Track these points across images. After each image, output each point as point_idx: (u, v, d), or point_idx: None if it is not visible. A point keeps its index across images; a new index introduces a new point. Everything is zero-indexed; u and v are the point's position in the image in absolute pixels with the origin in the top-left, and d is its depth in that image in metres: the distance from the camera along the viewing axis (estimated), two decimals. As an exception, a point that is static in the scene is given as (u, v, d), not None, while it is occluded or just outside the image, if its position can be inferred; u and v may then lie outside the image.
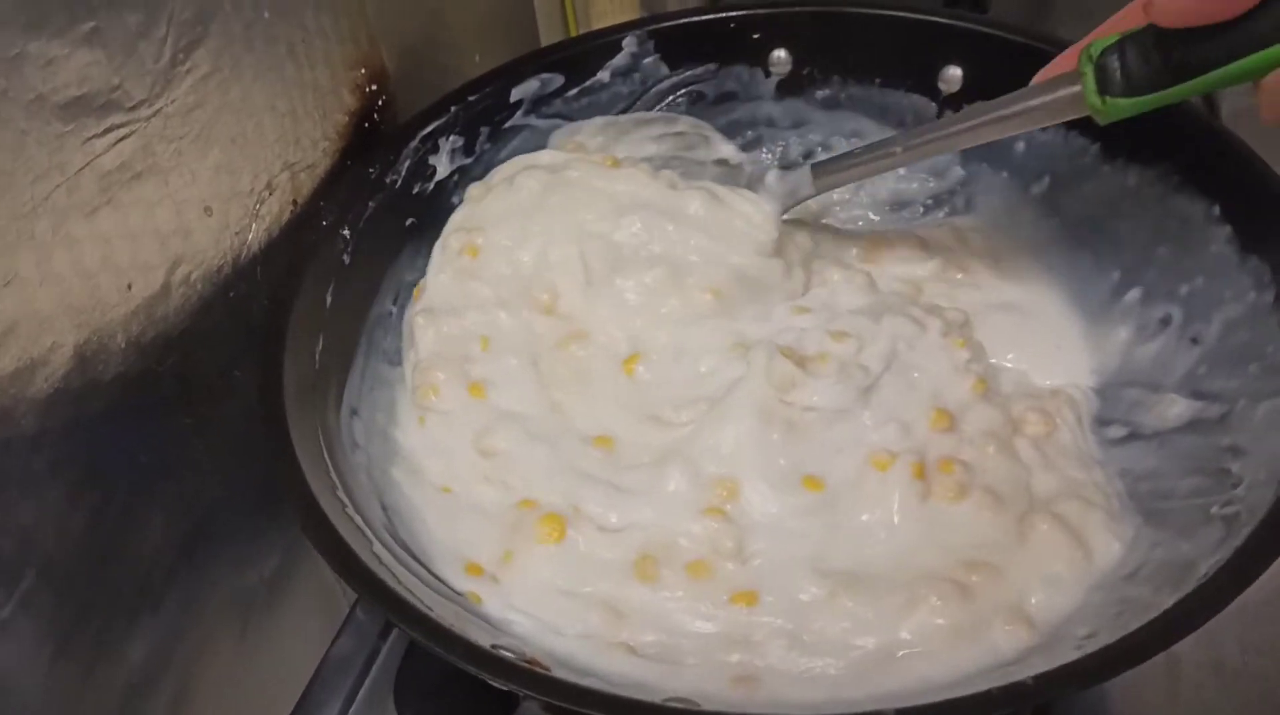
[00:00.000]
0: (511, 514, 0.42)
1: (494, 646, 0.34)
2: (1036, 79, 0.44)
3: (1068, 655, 0.32)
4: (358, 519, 0.39)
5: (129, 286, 0.38)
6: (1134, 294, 0.49)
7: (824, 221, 0.58)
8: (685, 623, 0.38)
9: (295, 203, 0.48)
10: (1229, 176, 0.44)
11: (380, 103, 0.53)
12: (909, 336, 0.47)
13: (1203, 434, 0.41)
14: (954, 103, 0.55)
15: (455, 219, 0.52)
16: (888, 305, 0.50)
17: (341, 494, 0.40)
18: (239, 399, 0.45)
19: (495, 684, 0.32)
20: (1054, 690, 0.30)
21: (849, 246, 0.56)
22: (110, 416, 0.38)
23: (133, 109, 0.37)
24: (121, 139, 0.37)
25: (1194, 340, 0.45)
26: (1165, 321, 0.47)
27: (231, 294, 0.44)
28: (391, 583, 0.35)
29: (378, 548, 0.38)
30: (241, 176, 0.44)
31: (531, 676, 0.33)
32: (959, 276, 0.54)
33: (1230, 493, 0.37)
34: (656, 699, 0.34)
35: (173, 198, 0.40)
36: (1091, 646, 0.32)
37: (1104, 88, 0.39)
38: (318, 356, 0.45)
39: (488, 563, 0.41)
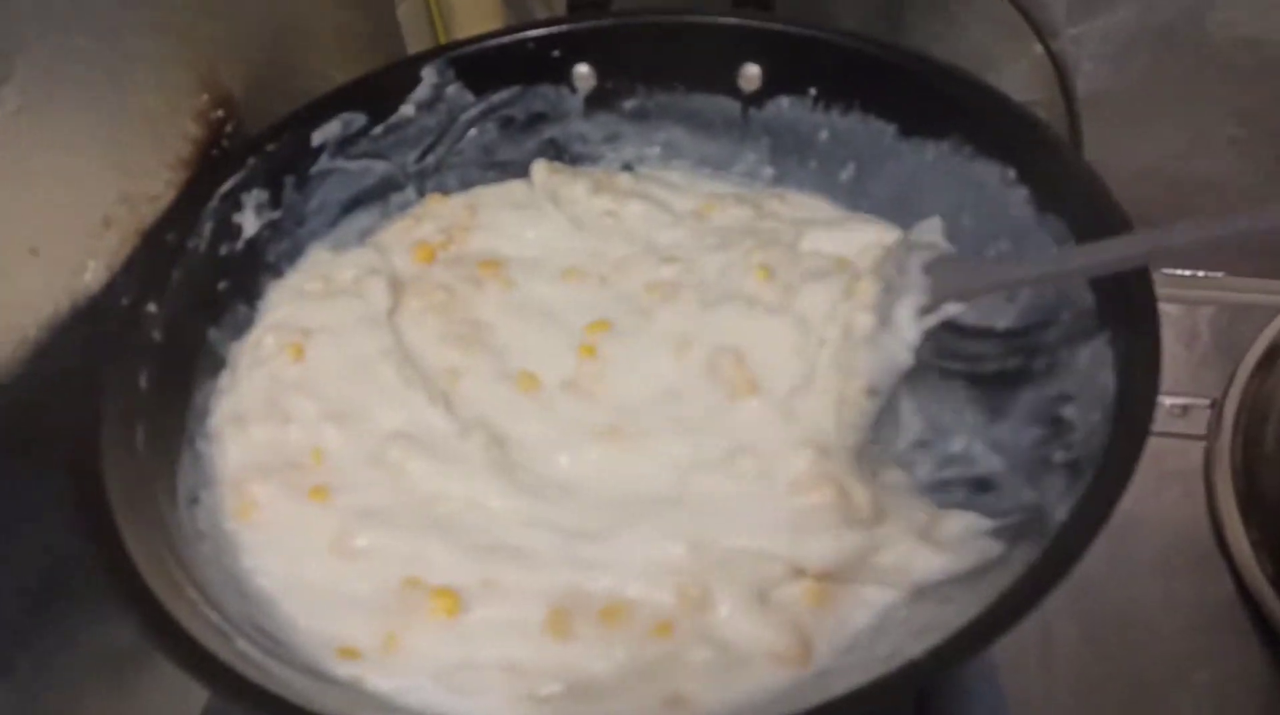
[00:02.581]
0: (391, 596, 0.39)
1: (388, 725, 0.32)
2: None
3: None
4: (213, 616, 0.36)
5: (-55, 338, 0.35)
6: (948, 262, 0.52)
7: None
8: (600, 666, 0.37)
9: (138, 236, 0.45)
10: (1018, 140, 0.47)
11: (228, 128, 0.51)
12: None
13: (1035, 386, 0.44)
14: (757, 100, 0.56)
15: (278, 314, 0.50)
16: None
17: (192, 592, 0.37)
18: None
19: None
20: (947, 662, 0.30)
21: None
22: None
23: (-71, 156, 0.34)
24: (-81, 188, 0.34)
25: (1009, 298, 0.48)
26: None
27: (70, 337, 0.41)
28: (263, 681, 0.32)
29: (242, 645, 0.35)
30: (70, 214, 0.41)
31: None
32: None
33: (1068, 438, 0.40)
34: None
35: (-9, 242, 0.37)
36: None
37: None
38: (140, 447, 0.41)
39: (365, 647, 0.38)
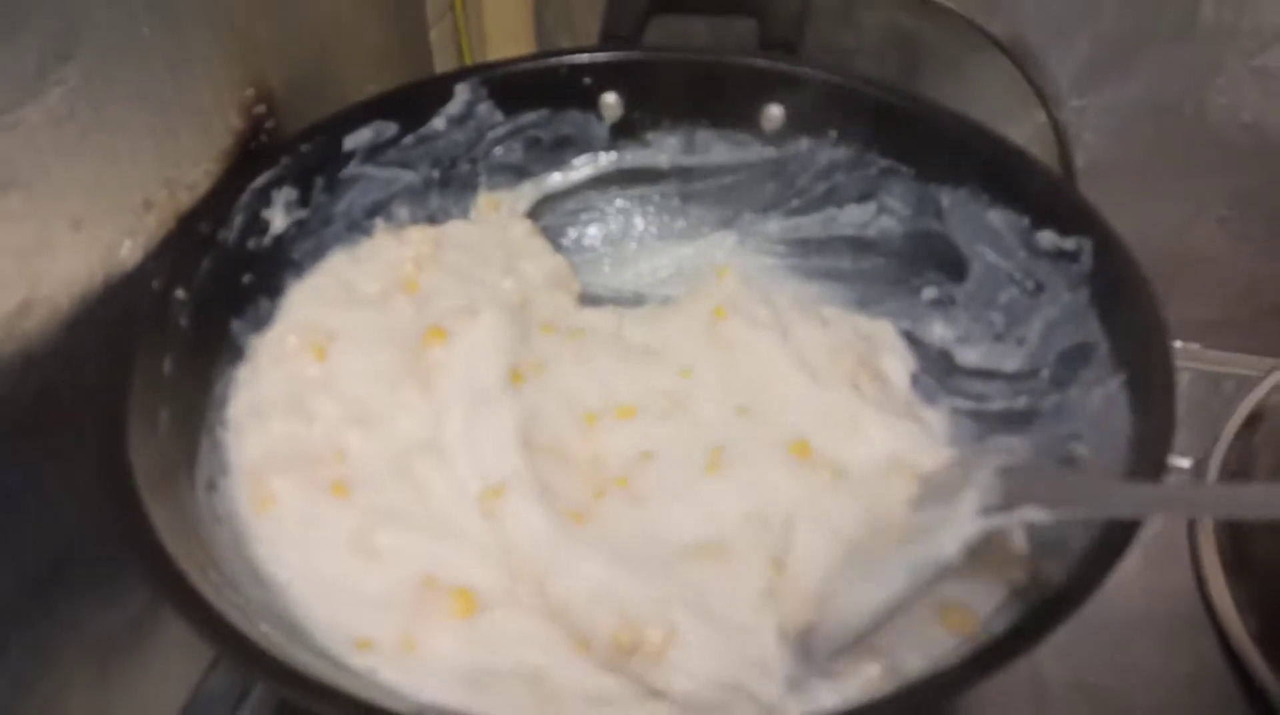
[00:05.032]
0: (409, 593, 0.39)
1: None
2: None
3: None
4: (238, 599, 0.36)
5: (-15, 301, 0.35)
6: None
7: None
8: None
9: (175, 220, 0.46)
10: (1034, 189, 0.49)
11: (268, 125, 0.51)
12: None
13: (1043, 425, 0.45)
14: (777, 140, 0.58)
15: (298, 315, 0.50)
16: None
17: (215, 575, 0.36)
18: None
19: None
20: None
21: None
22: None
23: (-7, 117, 0.35)
24: (-22, 149, 0.34)
25: (1019, 342, 0.50)
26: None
27: (100, 313, 0.41)
28: (303, 667, 0.32)
29: (265, 628, 0.35)
30: (115, 192, 0.42)
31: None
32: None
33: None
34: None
35: (38, 212, 0.38)
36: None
37: None
38: (162, 431, 0.41)
39: (382, 644, 0.38)
